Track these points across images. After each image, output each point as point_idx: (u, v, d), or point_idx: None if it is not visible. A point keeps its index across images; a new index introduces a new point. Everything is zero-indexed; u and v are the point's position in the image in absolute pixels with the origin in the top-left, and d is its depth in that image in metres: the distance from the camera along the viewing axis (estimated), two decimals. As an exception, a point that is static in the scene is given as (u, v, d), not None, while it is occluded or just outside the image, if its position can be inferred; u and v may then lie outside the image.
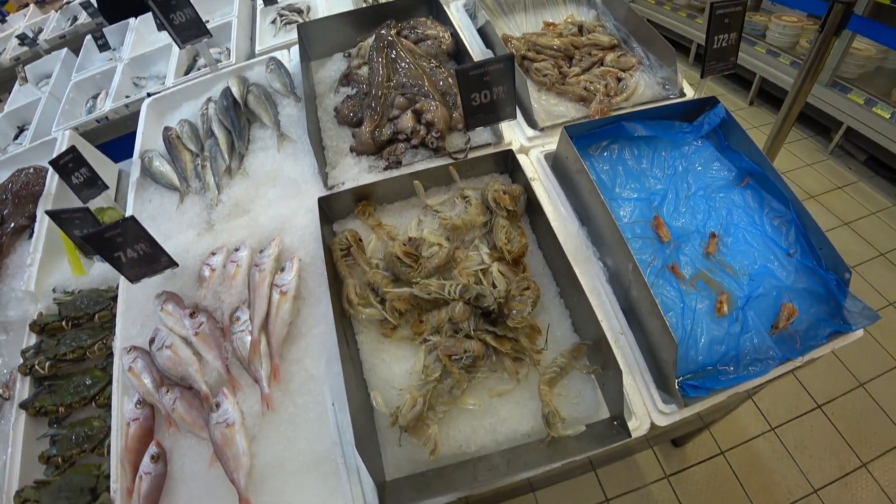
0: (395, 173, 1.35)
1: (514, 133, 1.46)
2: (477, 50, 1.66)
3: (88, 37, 3.70)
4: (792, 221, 1.37)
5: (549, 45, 1.70)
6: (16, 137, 3.60)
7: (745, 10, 1.48)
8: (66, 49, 3.99)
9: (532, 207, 1.34)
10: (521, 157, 1.40)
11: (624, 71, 1.72)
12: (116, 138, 3.36)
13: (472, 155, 1.39)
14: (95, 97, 3.60)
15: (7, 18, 5.08)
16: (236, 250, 1.36)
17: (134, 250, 1.31)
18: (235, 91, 1.63)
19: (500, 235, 1.16)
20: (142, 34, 3.76)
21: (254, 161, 1.54)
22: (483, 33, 1.70)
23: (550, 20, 1.88)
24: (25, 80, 3.68)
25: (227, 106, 1.62)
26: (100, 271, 1.67)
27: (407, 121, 1.37)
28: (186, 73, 3.27)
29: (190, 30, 1.73)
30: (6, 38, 4.69)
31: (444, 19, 1.72)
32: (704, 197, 1.47)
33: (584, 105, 1.61)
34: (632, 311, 1.16)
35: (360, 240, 1.27)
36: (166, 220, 1.54)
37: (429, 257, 1.17)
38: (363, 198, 1.33)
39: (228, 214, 1.45)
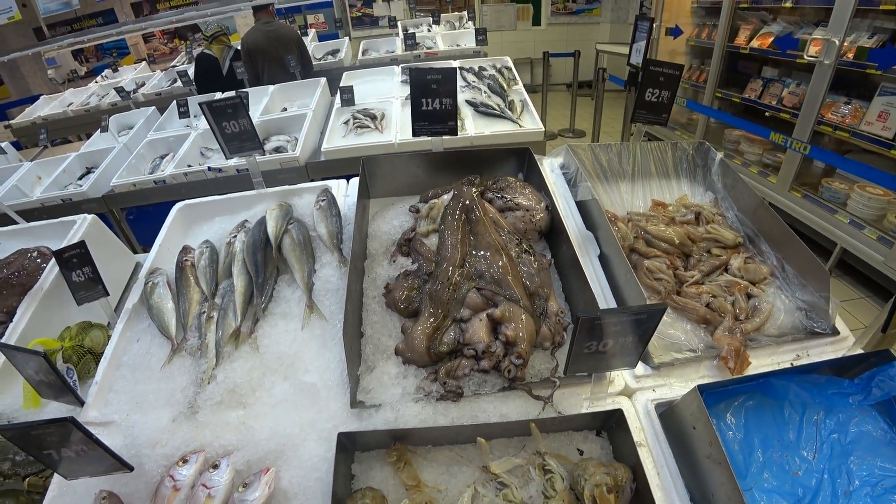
0: (451, 408, 0.89)
1: None
2: (573, 227, 1.25)
3: (174, 102, 3.63)
4: None
5: (662, 235, 1.26)
6: (81, 178, 3.47)
7: None
8: (153, 108, 3.94)
9: (636, 493, 0.86)
10: (624, 403, 0.93)
11: (754, 284, 1.26)
12: (169, 201, 3.20)
13: (559, 392, 0.92)
14: (164, 157, 3.46)
15: (119, 69, 5.27)
16: (215, 467, 0.90)
17: (71, 450, 0.87)
18: (271, 228, 1.24)
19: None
20: (224, 107, 3.62)
21: (270, 330, 1.10)
22: (583, 207, 1.30)
23: (659, 198, 1.47)
24: (107, 129, 3.60)
25: (257, 244, 1.23)
26: (57, 409, 1.24)
27: (479, 330, 0.92)
28: (252, 153, 3.08)
29: (243, 141, 1.41)
30: (110, 86, 4.80)
31: (536, 180, 1.33)
32: (874, 499, 0.95)
33: (707, 328, 1.14)
34: None
35: (383, 512, 0.79)
36: (145, 380, 1.11)
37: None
38: (400, 438, 0.87)
39: (220, 403, 1.00)
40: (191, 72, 4.19)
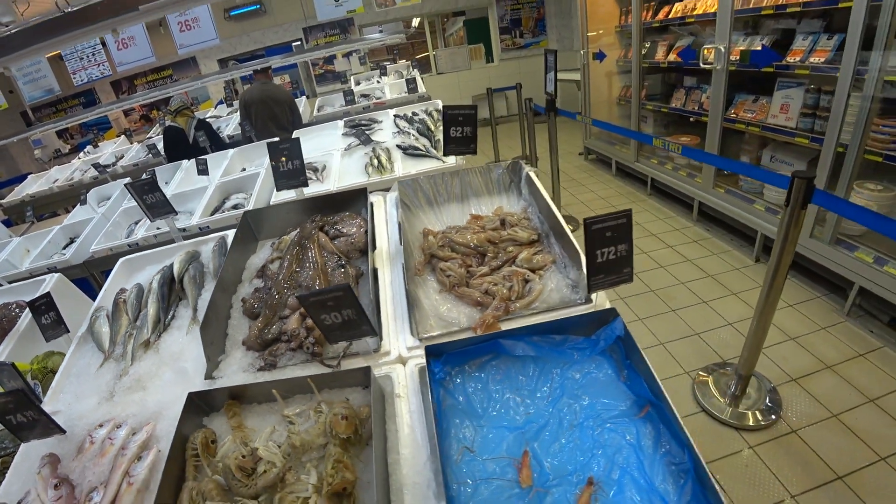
0: (267, 375, 1.41)
1: (397, 340, 1.48)
2: (392, 245, 1.78)
3: (144, 174, 4.36)
4: (688, 472, 1.12)
5: (461, 241, 1.78)
6: (65, 247, 4.16)
7: (630, 223, 1.38)
8: (128, 179, 4.69)
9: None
10: (397, 369, 1.41)
11: (535, 271, 1.74)
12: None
13: (350, 362, 1.43)
14: (137, 222, 4.14)
15: (99, 144, 6.14)
16: (118, 426, 1.44)
17: (24, 416, 1.41)
18: (176, 269, 1.83)
19: (327, 465, 1.15)
20: (189, 174, 4.32)
21: (168, 338, 1.66)
22: (401, 227, 1.83)
23: (480, 212, 1.99)
24: (85, 202, 4.32)
25: (165, 280, 1.81)
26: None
27: (292, 322, 1.45)
28: (213, 214, 3.71)
29: (160, 208, 2.02)
30: (91, 161, 5.62)
31: (371, 212, 1.88)
32: (592, 429, 1.24)
33: (482, 309, 1.63)
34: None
35: (214, 441, 1.30)
36: (86, 381, 1.66)
37: (261, 474, 1.17)
38: (235, 396, 1.39)
39: (129, 388, 1.54)
40: (160, 144, 4.95)
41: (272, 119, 5.06)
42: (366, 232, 1.75)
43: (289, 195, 3.48)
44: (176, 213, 2.02)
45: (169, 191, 4.18)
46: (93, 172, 5.42)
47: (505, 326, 1.48)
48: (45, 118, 6.99)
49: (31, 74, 5.45)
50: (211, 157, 4.35)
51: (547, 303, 1.61)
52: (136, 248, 3.71)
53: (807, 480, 2.45)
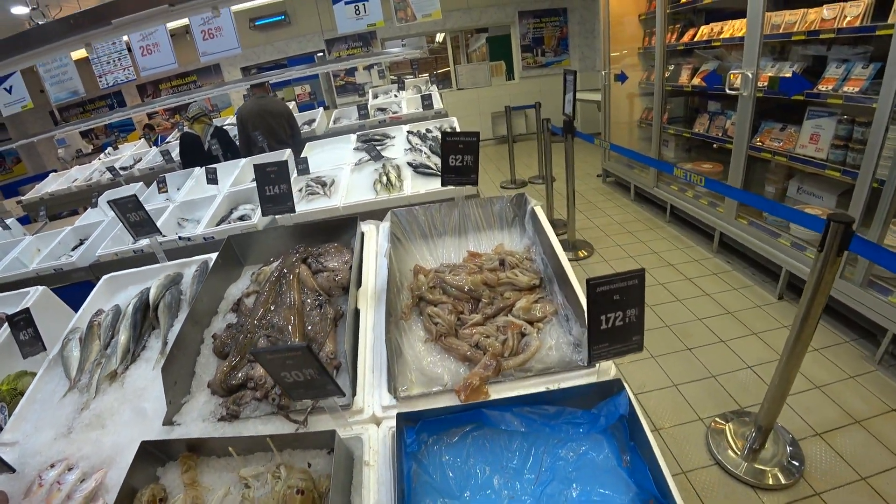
0: (227, 427, 1.27)
1: (374, 396, 1.32)
2: (380, 283, 1.64)
3: (155, 180, 4.34)
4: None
5: (454, 283, 1.63)
6: (73, 249, 4.14)
7: (643, 285, 1.20)
8: (140, 183, 4.68)
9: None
10: (370, 430, 1.24)
11: (533, 323, 1.57)
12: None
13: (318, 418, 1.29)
14: (145, 227, 4.11)
15: (119, 147, 6.21)
16: (70, 469, 1.32)
17: (-26, 455, 1.31)
18: (152, 294, 1.72)
19: (275, 548, 1.01)
20: (201, 182, 4.27)
21: (135, 371, 1.54)
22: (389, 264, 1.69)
23: (480, 249, 1.84)
24: (96, 205, 4.32)
25: (139, 306, 1.70)
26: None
27: (260, 368, 1.32)
28: (219, 224, 3.64)
29: (143, 227, 1.92)
30: (110, 162, 5.67)
31: (361, 244, 1.75)
32: None
33: (470, 365, 1.46)
34: None
35: (163, 500, 1.17)
36: (47, 409, 1.55)
37: (204, 549, 1.04)
38: (193, 448, 1.26)
39: (88, 424, 1.43)
40: (175, 149, 4.94)
41: (270, 132, 4.98)
42: (350, 268, 1.61)
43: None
44: (160, 233, 1.93)
45: (179, 197, 4.15)
46: (109, 175, 5.45)
47: (493, 389, 1.31)
48: (72, 118, 7.15)
49: (58, 76, 5.52)
50: (222, 167, 4.31)
51: (544, 362, 1.40)
52: (140, 254, 3.67)
53: (830, 553, 2.21)
